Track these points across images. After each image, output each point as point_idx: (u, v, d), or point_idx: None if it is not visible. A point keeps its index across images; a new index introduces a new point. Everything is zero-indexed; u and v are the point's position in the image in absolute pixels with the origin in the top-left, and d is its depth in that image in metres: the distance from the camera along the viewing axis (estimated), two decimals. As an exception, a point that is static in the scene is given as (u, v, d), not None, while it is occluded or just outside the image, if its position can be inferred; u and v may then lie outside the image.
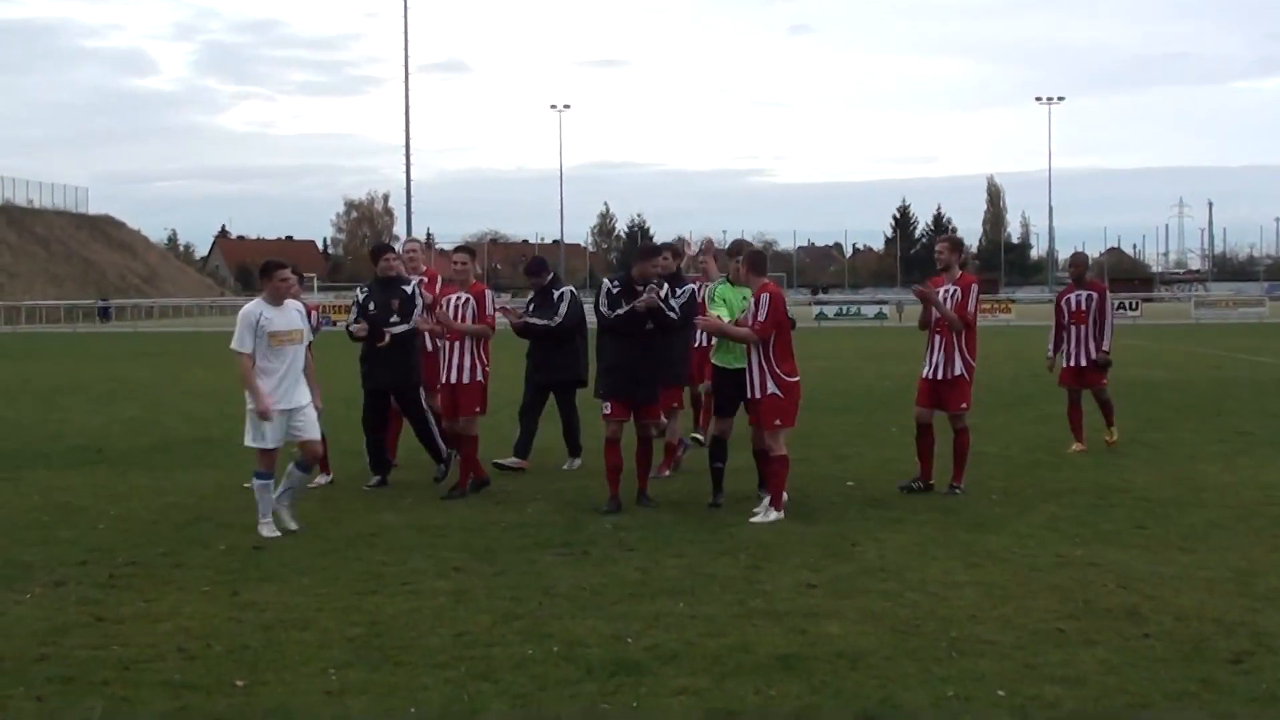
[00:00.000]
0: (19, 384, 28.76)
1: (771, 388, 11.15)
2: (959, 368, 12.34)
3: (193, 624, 7.94)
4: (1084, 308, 15.30)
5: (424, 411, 13.19)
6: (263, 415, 10.43)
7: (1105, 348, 15.23)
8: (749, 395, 11.28)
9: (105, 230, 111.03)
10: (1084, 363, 15.25)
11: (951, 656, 7.07)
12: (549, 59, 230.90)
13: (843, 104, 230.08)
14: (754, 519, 10.99)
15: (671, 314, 11.78)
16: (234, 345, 10.60)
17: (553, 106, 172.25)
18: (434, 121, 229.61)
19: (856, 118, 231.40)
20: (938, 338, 12.43)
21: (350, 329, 13.15)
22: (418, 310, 12.89)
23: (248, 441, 10.68)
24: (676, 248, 13.64)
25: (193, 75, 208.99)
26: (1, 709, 6.42)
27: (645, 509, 11.63)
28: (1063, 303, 15.57)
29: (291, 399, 10.64)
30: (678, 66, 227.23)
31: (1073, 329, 15.34)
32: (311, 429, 10.79)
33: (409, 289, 13.00)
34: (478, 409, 12.51)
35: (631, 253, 12.60)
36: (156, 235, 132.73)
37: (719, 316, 11.60)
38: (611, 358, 11.90)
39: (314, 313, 13.80)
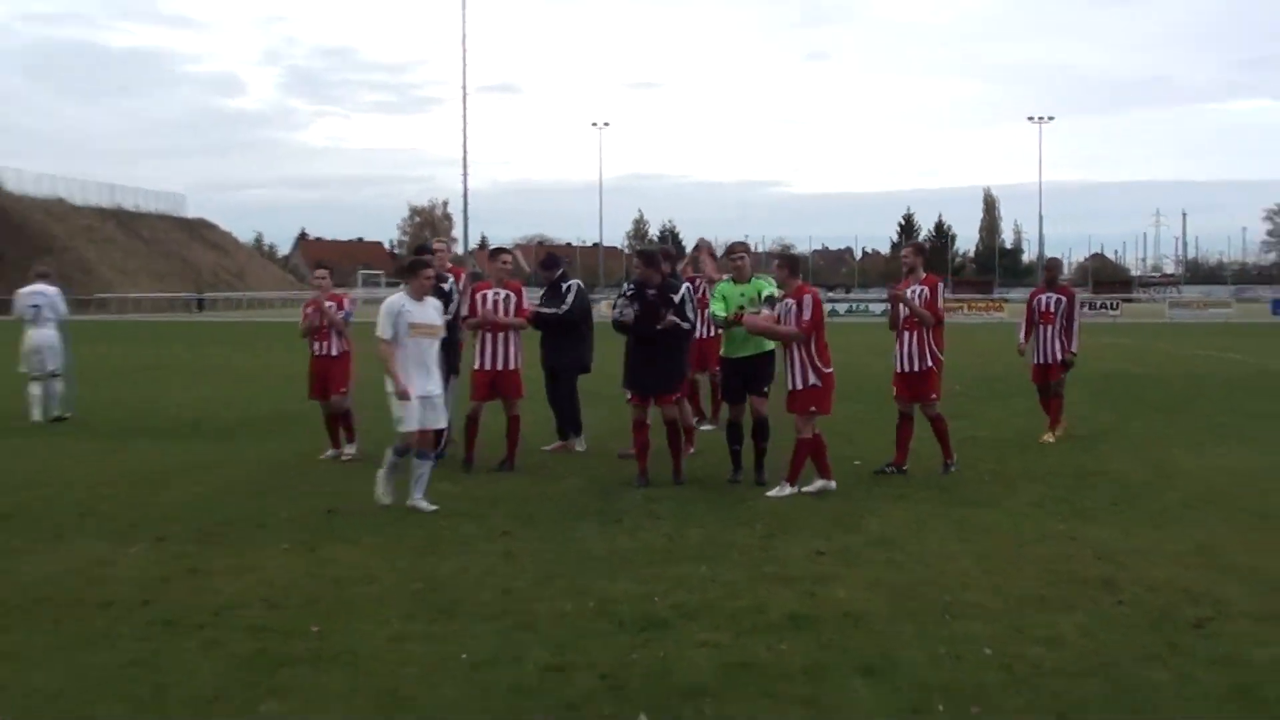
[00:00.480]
0: (128, 366, 29.00)
1: (813, 379, 11.12)
2: (929, 360, 12.24)
3: (275, 577, 8.01)
4: (1052, 309, 15.08)
5: (450, 401, 13.14)
6: (401, 396, 10.26)
7: (1073, 349, 15.06)
8: (790, 386, 11.21)
9: (201, 232, 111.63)
10: (1049, 360, 15.07)
11: (945, 619, 7.07)
12: (591, 82, 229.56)
13: (853, 122, 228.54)
14: (770, 493, 11.01)
15: (686, 324, 11.81)
16: (378, 333, 10.41)
17: (594, 124, 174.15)
18: (488, 137, 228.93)
19: (866, 134, 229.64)
20: (907, 334, 12.30)
21: None
22: (454, 304, 12.83)
23: (398, 426, 10.39)
24: (669, 250, 13.63)
25: (278, 96, 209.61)
26: (112, 646, 6.52)
27: (674, 485, 11.62)
28: (1034, 302, 15.38)
29: (424, 387, 10.39)
30: (706, 88, 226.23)
31: (1041, 328, 15.14)
32: (440, 418, 10.53)
33: (447, 286, 13.01)
34: (520, 392, 12.57)
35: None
36: (245, 236, 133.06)
37: (722, 311, 11.65)
38: (630, 354, 12.01)
39: (346, 300, 13.92)
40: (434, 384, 10.52)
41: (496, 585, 7.82)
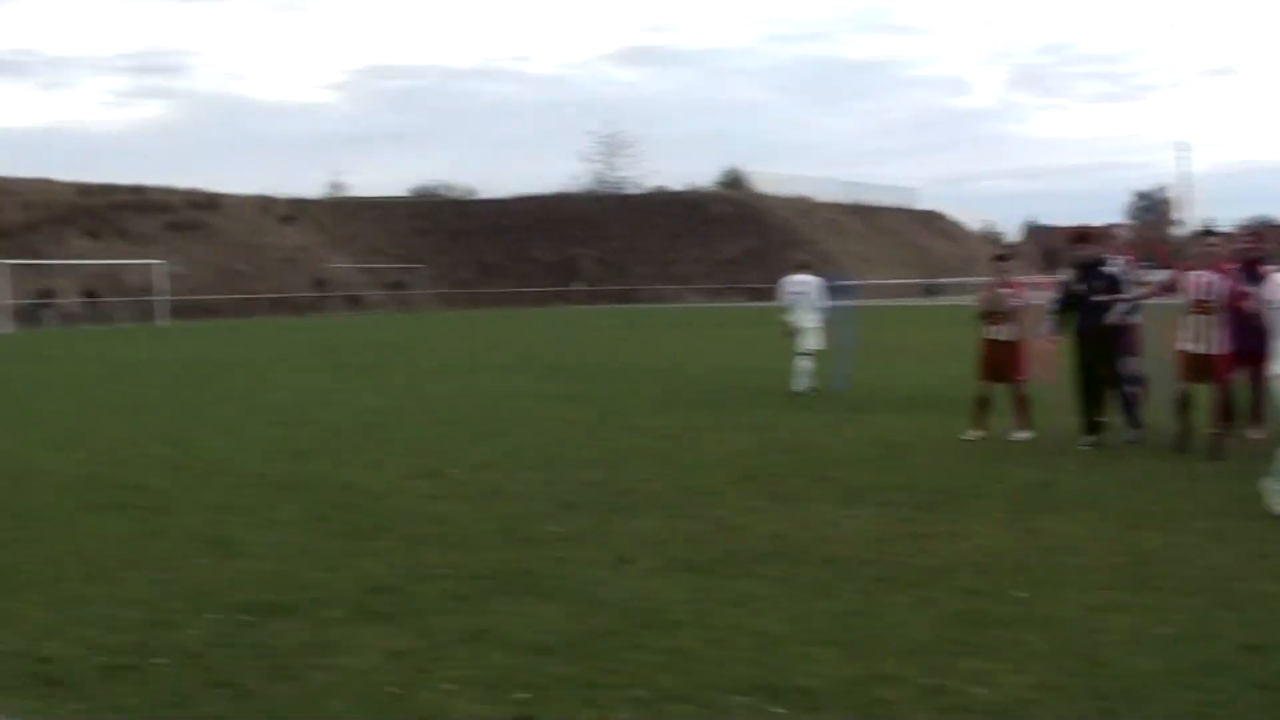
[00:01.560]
0: (866, 347, 30.27)
1: None
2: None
3: (987, 544, 8.09)
4: None
5: (1130, 381, 12.45)
6: None
7: None
8: None
9: (932, 222, 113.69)
10: None
11: None
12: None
13: None
14: None
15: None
16: None
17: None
18: (1207, 120, 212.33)
19: None
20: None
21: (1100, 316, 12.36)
22: (1125, 289, 12.16)
23: None
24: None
25: (1002, 92, 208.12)
26: (833, 597, 6.90)
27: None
28: None
29: None
30: None
31: None
32: None
33: (1111, 270, 12.34)
34: (1220, 378, 11.51)
35: None
36: (973, 225, 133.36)
37: None
38: None
39: (1022, 289, 13.51)
40: None
41: (1201, 562, 7.43)
